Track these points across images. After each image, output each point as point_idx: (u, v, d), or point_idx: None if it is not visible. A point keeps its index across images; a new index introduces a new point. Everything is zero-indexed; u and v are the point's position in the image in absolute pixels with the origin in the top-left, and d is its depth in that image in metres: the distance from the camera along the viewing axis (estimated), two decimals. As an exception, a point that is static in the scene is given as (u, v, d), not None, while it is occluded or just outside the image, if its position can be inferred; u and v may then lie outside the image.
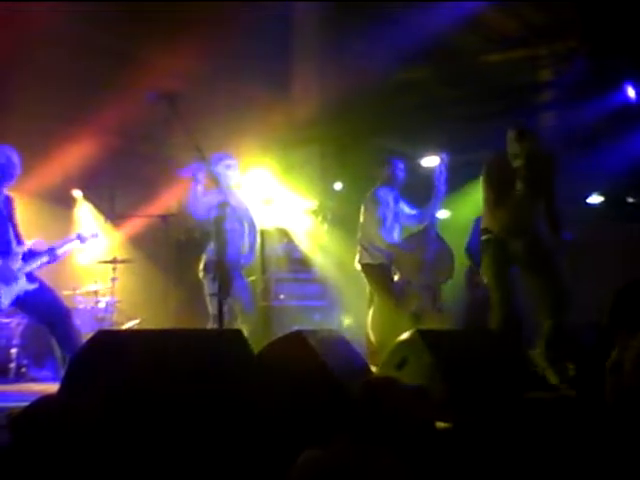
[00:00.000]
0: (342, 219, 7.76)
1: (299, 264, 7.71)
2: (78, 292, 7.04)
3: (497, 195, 5.10)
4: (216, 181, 5.10)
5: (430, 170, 6.32)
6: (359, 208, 6.21)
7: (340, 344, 3.95)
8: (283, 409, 2.73)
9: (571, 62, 7.99)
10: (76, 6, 6.00)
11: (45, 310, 4.77)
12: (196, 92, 5.91)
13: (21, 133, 6.16)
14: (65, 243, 5.05)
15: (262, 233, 7.26)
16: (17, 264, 4.75)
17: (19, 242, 4.86)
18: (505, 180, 5.07)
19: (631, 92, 8.06)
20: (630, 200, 8.66)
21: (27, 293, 4.73)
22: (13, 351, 6.32)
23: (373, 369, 4.01)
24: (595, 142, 8.05)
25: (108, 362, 2.68)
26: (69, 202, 7.84)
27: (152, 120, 5.15)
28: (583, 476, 2.41)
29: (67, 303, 6.26)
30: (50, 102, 6.53)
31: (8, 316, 6.66)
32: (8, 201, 4.93)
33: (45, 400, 2.54)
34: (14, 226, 4.89)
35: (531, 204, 5.09)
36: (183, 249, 7.73)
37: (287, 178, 7.98)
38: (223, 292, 4.46)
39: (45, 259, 4.89)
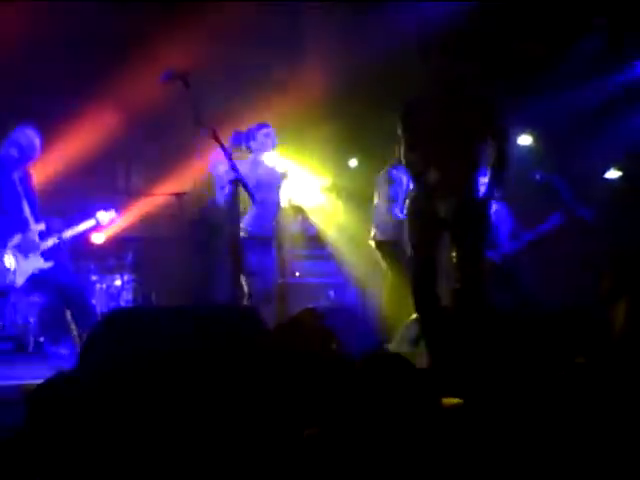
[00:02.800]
0: (357, 196, 7.74)
1: (314, 241, 7.72)
2: (94, 270, 7.08)
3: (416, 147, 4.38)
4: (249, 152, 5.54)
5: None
6: (373, 185, 6.20)
7: (354, 321, 3.97)
8: (295, 386, 2.75)
9: (587, 36, 7.88)
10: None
11: (61, 288, 4.81)
12: (209, 72, 5.90)
13: (39, 110, 6.21)
14: (83, 223, 5.08)
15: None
16: (34, 242, 4.78)
17: (37, 219, 4.89)
18: (426, 130, 4.34)
19: (647, 66, 7.96)
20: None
21: (42, 271, 4.76)
22: (30, 327, 6.39)
23: (387, 345, 4.02)
24: (611, 117, 7.96)
25: (123, 339, 2.70)
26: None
27: (168, 99, 5.15)
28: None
29: (83, 281, 6.34)
30: (67, 79, 6.56)
31: (25, 293, 6.73)
32: (26, 178, 4.96)
33: (60, 376, 2.57)
34: (32, 203, 4.92)
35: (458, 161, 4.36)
36: (198, 227, 7.76)
37: (301, 155, 7.95)
38: (237, 269, 4.47)
39: (62, 238, 4.93)
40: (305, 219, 7.75)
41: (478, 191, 4.43)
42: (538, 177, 6.79)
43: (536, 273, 7.01)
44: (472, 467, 2.25)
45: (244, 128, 5.66)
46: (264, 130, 5.66)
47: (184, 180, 6.99)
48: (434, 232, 4.39)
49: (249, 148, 5.60)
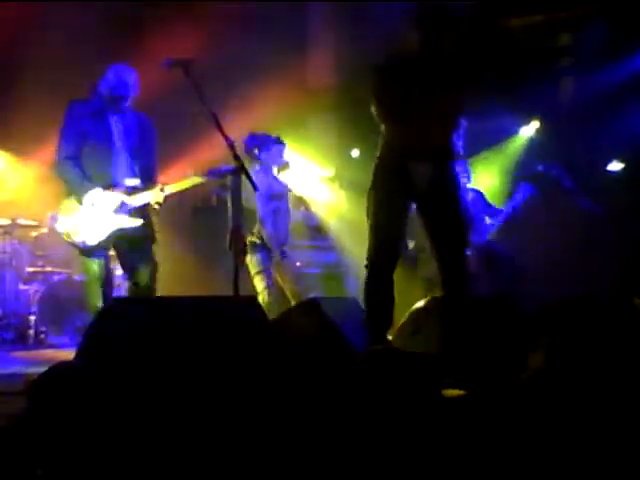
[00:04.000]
0: (359, 186, 7.71)
1: (316, 232, 7.71)
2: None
3: (391, 102, 3.85)
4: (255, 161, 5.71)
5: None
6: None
7: (356, 312, 3.96)
8: (296, 377, 2.75)
9: (591, 27, 7.85)
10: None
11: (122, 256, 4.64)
12: (211, 59, 5.87)
13: (38, 101, 6.18)
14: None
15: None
16: (121, 198, 4.46)
17: (132, 173, 4.52)
18: (401, 83, 3.83)
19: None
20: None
21: (123, 231, 4.47)
22: (32, 318, 6.39)
23: (388, 337, 4.01)
24: (614, 108, 7.93)
25: (123, 330, 2.70)
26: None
27: (168, 88, 5.13)
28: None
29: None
30: (70, 69, 6.53)
31: (26, 283, 6.71)
32: (132, 123, 4.55)
33: (61, 367, 2.57)
34: (134, 154, 4.51)
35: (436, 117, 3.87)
36: (200, 215, 7.74)
37: (303, 146, 7.93)
38: (241, 262, 4.47)
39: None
40: (307, 209, 7.75)
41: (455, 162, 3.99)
42: (540, 168, 6.76)
43: (537, 261, 6.99)
44: (474, 460, 2.25)
45: (248, 118, 5.66)
46: (280, 147, 5.91)
47: (188, 167, 6.98)
48: (404, 206, 3.87)
49: (258, 156, 5.79)
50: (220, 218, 5.58)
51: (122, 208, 4.45)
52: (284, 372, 2.84)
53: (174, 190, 4.57)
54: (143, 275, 4.56)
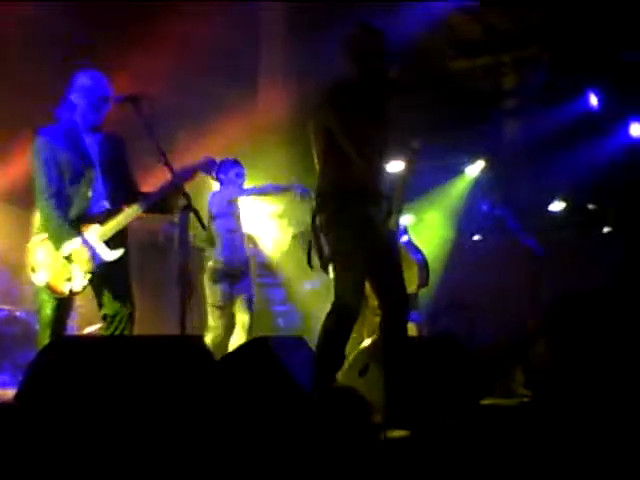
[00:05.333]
0: (307, 223, 7.73)
1: (264, 269, 7.68)
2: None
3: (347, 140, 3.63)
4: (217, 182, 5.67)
5: (394, 176, 6.29)
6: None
7: (304, 351, 3.94)
8: (244, 418, 2.71)
9: (534, 70, 8.09)
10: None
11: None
12: (161, 94, 5.86)
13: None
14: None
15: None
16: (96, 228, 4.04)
17: (110, 198, 4.05)
18: (356, 118, 3.66)
19: (593, 100, 8.19)
20: (591, 207, 8.79)
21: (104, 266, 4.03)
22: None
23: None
24: (557, 149, 8.15)
25: (64, 370, 2.64)
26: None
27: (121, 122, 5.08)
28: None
29: (29, 308, 6.18)
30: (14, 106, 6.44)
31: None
32: (107, 141, 4.11)
33: (1, 406, 2.49)
34: (110, 176, 4.06)
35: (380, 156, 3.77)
36: (146, 252, 7.65)
37: (253, 182, 7.93)
38: (188, 300, 4.41)
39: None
40: (255, 246, 7.72)
41: None
42: (485, 207, 6.90)
43: (483, 299, 7.08)
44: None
45: (196, 154, 5.63)
46: (237, 169, 5.86)
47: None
48: (368, 256, 3.68)
49: (218, 179, 5.75)
50: (168, 256, 5.55)
51: (98, 246, 4.05)
52: (229, 412, 2.80)
53: (117, 226, 4.10)
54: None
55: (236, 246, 5.76)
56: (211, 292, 5.59)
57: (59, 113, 4.12)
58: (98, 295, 4.13)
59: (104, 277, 4.06)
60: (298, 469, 2.24)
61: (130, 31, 6.50)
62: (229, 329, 5.62)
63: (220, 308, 5.58)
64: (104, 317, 4.14)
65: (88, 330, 6.81)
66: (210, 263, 5.65)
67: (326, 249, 3.81)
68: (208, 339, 5.49)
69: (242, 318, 5.62)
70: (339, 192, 3.72)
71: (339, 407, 2.23)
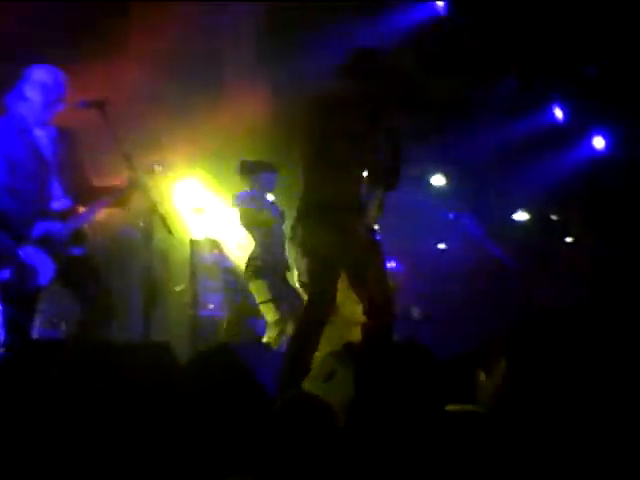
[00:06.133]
0: (274, 230, 7.71)
1: (229, 274, 7.64)
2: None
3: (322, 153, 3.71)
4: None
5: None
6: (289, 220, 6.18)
7: (269, 356, 3.93)
8: (208, 425, 2.68)
9: (501, 82, 8.18)
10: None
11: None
12: (127, 99, 5.81)
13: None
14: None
15: (192, 243, 7.18)
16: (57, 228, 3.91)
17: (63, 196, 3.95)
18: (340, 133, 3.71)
19: (558, 112, 8.32)
20: (553, 217, 8.91)
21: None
22: None
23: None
24: (522, 160, 8.25)
25: (29, 374, 2.59)
26: None
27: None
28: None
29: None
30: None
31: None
32: (60, 137, 3.97)
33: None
34: (64, 175, 3.94)
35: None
36: (112, 255, 7.56)
37: (219, 188, 7.90)
38: (150, 306, 4.36)
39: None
40: (220, 252, 7.69)
41: None
42: (452, 216, 6.96)
43: (449, 310, 7.13)
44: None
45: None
46: (270, 175, 5.85)
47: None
48: (341, 266, 3.83)
49: (250, 182, 5.80)
50: (132, 259, 5.48)
51: (56, 241, 3.90)
52: (195, 419, 2.77)
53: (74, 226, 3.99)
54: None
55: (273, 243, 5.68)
56: (257, 288, 5.47)
57: (8, 102, 3.94)
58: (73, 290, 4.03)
59: (68, 279, 3.98)
60: (262, 474, 2.22)
61: (93, 38, 6.41)
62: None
63: (273, 301, 5.40)
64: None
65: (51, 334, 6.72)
66: (251, 262, 5.57)
67: (301, 261, 3.86)
68: (273, 334, 5.33)
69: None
70: (322, 202, 3.78)
71: (301, 412, 2.21)
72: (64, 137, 4.04)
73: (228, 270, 7.64)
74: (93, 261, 4.11)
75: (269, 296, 5.42)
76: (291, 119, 3.99)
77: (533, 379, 1.54)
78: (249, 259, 5.64)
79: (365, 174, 3.92)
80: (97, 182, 4.18)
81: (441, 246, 6.83)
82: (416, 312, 6.68)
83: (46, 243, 3.84)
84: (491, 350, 2.41)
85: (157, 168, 4.21)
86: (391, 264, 6.54)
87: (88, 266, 4.04)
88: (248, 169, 5.78)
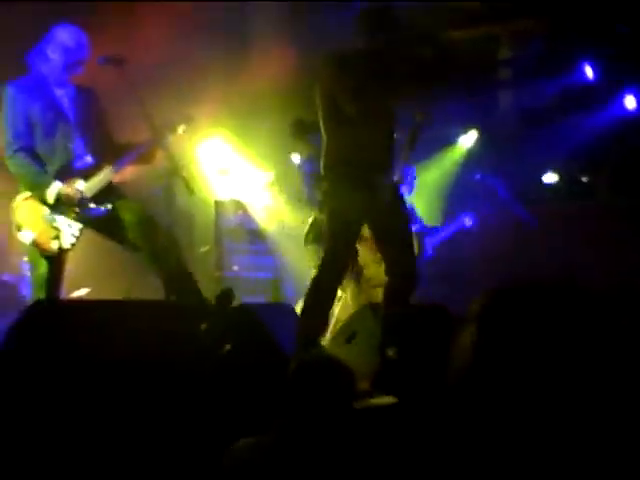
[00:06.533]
0: (299, 192, 7.69)
1: (254, 235, 7.65)
2: (25, 259, 6.84)
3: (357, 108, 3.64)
4: None
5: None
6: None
7: (289, 317, 3.93)
8: (228, 386, 2.69)
9: (529, 41, 8.00)
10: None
11: None
12: (148, 56, 5.77)
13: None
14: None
15: (216, 204, 7.18)
16: (78, 189, 3.90)
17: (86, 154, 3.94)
18: (361, 87, 3.66)
19: (588, 71, 8.12)
20: (584, 179, 8.77)
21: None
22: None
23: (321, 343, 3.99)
24: (551, 121, 8.09)
25: (46, 332, 2.60)
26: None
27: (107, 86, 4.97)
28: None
29: (14, 270, 6.11)
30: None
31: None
32: (82, 97, 3.98)
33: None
34: (86, 134, 3.94)
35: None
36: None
37: (244, 149, 7.86)
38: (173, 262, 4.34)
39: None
40: (245, 213, 7.68)
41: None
42: (478, 177, 6.85)
43: (474, 269, 7.05)
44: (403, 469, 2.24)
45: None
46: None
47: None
48: (360, 225, 3.81)
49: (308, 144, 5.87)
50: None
51: (84, 200, 3.92)
52: (216, 380, 2.78)
53: (100, 182, 3.99)
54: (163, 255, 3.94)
55: None
56: (314, 253, 5.39)
57: (31, 61, 3.99)
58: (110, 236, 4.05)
59: (103, 228, 3.99)
60: (279, 436, 2.21)
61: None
62: None
63: None
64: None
65: (76, 294, 6.78)
66: (312, 227, 5.57)
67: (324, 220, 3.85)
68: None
69: None
70: (344, 160, 3.73)
71: (315, 375, 2.20)
72: (85, 95, 4.06)
73: (253, 232, 7.65)
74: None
75: None
76: (312, 77, 3.90)
77: (501, 353, 1.48)
78: (311, 225, 5.61)
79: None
80: (120, 139, 4.19)
81: (467, 221, 6.70)
82: (468, 220, 6.54)
83: (67, 205, 3.85)
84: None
85: (180, 128, 4.19)
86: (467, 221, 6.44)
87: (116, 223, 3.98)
88: (305, 128, 5.61)
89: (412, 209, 6.49)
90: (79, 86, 4.07)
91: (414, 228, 6.30)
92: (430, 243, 6.45)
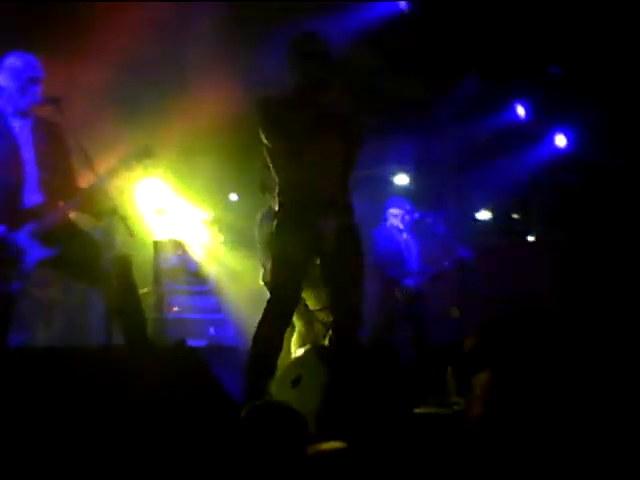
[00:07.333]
0: (238, 231, 7.65)
1: (194, 276, 7.55)
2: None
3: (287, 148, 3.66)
4: None
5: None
6: (254, 220, 6.10)
7: (235, 359, 3.87)
8: (168, 432, 2.62)
9: (462, 81, 8.20)
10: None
11: None
12: (87, 98, 5.69)
13: None
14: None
15: (155, 244, 7.07)
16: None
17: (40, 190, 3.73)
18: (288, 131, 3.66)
19: (520, 110, 8.36)
20: (515, 216, 8.99)
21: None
22: None
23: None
24: (484, 158, 8.29)
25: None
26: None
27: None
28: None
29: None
30: None
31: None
32: (39, 126, 3.79)
33: None
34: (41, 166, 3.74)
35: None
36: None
37: (182, 188, 7.80)
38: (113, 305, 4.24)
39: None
40: (185, 253, 7.59)
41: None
42: (417, 216, 6.93)
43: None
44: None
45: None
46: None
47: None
48: (307, 260, 3.74)
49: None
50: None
51: (34, 240, 3.71)
52: (157, 423, 2.70)
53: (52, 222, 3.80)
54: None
55: None
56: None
57: None
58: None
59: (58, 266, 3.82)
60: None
61: (54, 34, 6.26)
62: None
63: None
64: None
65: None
66: None
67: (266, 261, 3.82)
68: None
69: None
70: (286, 200, 3.72)
71: (269, 421, 2.16)
72: (45, 129, 3.86)
73: (193, 272, 7.56)
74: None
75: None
76: (251, 118, 3.90)
77: (516, 379, 1.50)
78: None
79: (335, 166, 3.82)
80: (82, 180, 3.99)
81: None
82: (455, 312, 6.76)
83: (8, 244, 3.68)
84: (462, 347, 2.36)
85: (140, 161, 4.04)
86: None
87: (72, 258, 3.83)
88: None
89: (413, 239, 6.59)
90: (41, 119, 3.88)
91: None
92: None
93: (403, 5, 7.56)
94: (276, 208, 3.79)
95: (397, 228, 6.72)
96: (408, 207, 6.78)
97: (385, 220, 6.78)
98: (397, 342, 6.35)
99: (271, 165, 3.81)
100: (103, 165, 3.88)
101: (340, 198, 3.78)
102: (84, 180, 3.94)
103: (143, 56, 6.83)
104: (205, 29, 7.43)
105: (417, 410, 3.75)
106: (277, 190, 3.79)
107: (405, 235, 6.74)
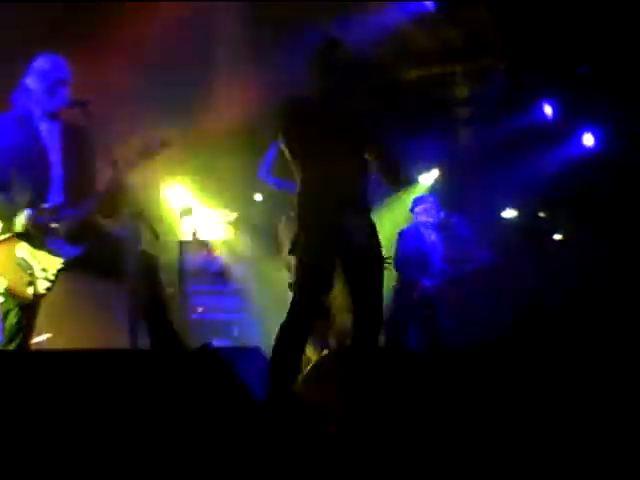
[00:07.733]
0: (263, 231, 7.68)
1: (218, 276, 7.60)
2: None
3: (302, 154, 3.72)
4: None
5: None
6: (279, 221, 6.12)
7: (259, 361, 3.88)
8: (195, 429, 2.64)
9: (488, 79, 8.16)
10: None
11: None
12: (113, 99, 5.74)
13: None
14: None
15: (181, 245, 7.11)
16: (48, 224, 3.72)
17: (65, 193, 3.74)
18: (308, 132, 3.71)
19: (547, 110, 8.30)
20: (541, 215, 8.92)
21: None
22: None
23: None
24: (510, 158, 8.24)
25: (10, 387, 2.52)
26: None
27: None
28: None
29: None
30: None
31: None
32: (67, 131, 3.81)
33: None
34: (69, 172, 3.75)
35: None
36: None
37: (207, 188, 7.85)
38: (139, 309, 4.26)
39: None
40: (210, 254, 7.64)
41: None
42: (442, 215, 6.89)
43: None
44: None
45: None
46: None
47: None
48: (334, 262, 3.71)
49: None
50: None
51: (56, 239, 3.72)
52: (180, 423, 2.73)
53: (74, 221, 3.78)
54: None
55: None
56: None
57: (14, 99, 3.84)
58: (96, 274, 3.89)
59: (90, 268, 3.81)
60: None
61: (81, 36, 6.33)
62: None
63: None
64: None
65: (37, 340, 6.61)
66: None
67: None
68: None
69: None
70: (307, 202, 3.75)
71: (291, 419, 2.17)
72: (73, 133, 3.86)
73: (217, 273, 7.60)
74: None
75: None
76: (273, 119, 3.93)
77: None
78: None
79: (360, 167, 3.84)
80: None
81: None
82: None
83: (36, 235, 3.69)
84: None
85: (155, 154, 4.02)
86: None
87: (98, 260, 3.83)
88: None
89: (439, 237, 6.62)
90: (69, 122, 3.88)
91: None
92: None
93: (430, 5, 7.53)
94: (297, 209, 3.82)
95: (425, 224, 6.68)
96: (434, 200, 6.74)
97: (416, 218, 6.76)
98: (409, 343, 6.32)
99: (291, 166, 3.83)
100: (122, 160, 3.86)
101: (359, 199, 3.80)
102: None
103: (171, 57, 6.89)
104: (232, 30, 7.48)
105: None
106: (297, 191, 3.81)
107: (433, 235, 6.69)
